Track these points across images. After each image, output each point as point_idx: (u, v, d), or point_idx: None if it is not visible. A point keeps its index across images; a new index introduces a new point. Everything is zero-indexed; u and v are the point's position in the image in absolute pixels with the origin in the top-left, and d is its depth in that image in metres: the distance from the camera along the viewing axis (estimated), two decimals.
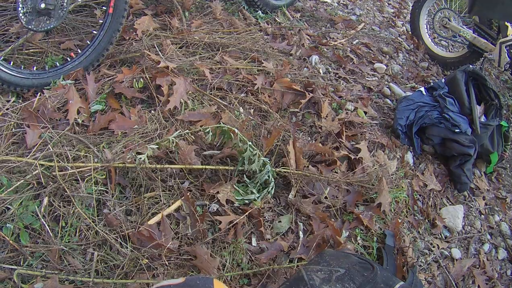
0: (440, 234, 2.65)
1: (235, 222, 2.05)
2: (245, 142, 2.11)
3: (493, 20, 3.79)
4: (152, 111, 2.42)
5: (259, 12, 3.69)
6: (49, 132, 2.17)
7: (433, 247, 2.54)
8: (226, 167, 2.24)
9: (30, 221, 1.85)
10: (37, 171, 1.93)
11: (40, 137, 2.15)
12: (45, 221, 1.85)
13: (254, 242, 2.08)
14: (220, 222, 2.03)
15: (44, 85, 2.37)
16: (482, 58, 3.92)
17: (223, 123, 2.25)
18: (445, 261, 2.51)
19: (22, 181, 1.92)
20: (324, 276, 1.48)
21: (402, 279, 2.12)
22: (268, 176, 2.20)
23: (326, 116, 2.73)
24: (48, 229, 1.83)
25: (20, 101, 2.34)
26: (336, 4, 4.57)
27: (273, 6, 3.78)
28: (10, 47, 2.51)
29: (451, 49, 4.47)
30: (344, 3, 4.70)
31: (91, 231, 1.88)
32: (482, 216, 2.98)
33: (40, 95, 2.32)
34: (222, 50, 2.98)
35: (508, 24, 3.60)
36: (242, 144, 2.12)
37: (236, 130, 2.10)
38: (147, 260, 1.83)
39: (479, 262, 2.64)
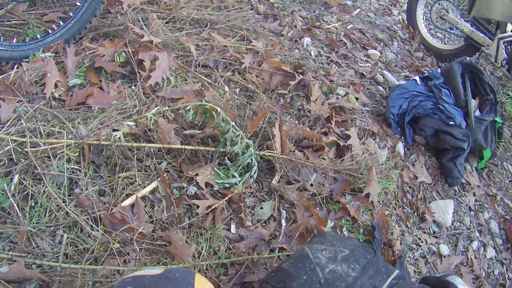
0: (429, 229, 2.58)
1: (213, 207, 1.95)
2: (228, 122, 2.00)
3: None
4: (133, 87, 2.32)
5: None
6: (24, 107, 2.06)
7: (421, 242, 2.47)
8: (207, 148, 2.13)
9: (0, 199, 1.76)
10: (9, 147, 1.83)
11: (14, 111, 2.04)
12: (14, 200, 1.75)
13: (233, 229, 1.98)
14: (198, 207, 1.92)
15: (23, 57, 2.26)
16: (478, 53, 3.84)
17: (206, 101, 2.12)
18: (432, 257, 2.44)
19: None
20: (329, 256, 1.47)
21: None
22: (251, 159, 2.09)
23: (316, 100, 2.62)
24: (17, 208, 1.73)
25: None
26: None
27: None
28: None
29: (447, 41, 4.40)
30: None
31: (62, 211, 1.78)
32: (472, 212, 2.91)
33: (18, 67, 2.22)
34: (210, 26, 2.86)
35: None
36: (225, 124, 2.00)
37: (218, 109, 1.98)
38: (118, 245, 1.74)
39: (467, 259, 2.58)
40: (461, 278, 2.36)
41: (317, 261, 1.43)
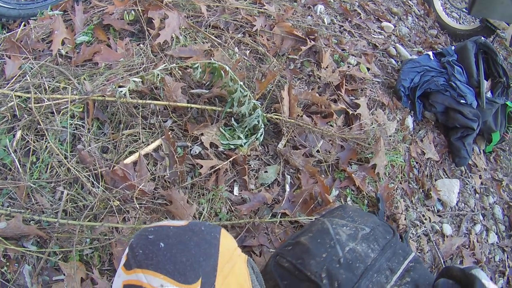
0: (433, 207, 2.54)
1: (217, 167, 1.91)
2: (236, 81, 1.95)
3: None
4: (141, 45, 2.26)
5: None
6: (30, 63, 2.01)
7: (425, 219, 2.43)
8: (214, 108, 2.08)
9: (1, 156, 1.73)
10: (12, 102, 1.79)
11: (20, 68, 1.99)
12: (16, 156, 1.72)
13: (236, 191, 1.95)
14: (201, 166, 1.89)
15: (31, 16, 2.22)
16: (493, 36, 3.76)
17: (215, 61, 2.07)
18: (435, 236, 2.40)
19: None
20: (350, 233, 1.44)
21: None
22: (258, 121, 2.05)
23: (327, 67, 2.57)
24: (18, 164, 1.70)
25: (4, 32, 2.17)
26: None
27: None
28: None
29: (462, 21, 4.32)
30: None
31: (63, 167, 1.75)
32: (477, 195, 2.88)
33: (25, 25, 2.18)
34: None
35: None
36: (233, 83, 1.96)
37: (227, 68, 1.93)
38: (118, 202, 1.70)
39: (469, 242, 2.54)
40: (462, 261, 2.37)
41: (337, 238, 1.39)
